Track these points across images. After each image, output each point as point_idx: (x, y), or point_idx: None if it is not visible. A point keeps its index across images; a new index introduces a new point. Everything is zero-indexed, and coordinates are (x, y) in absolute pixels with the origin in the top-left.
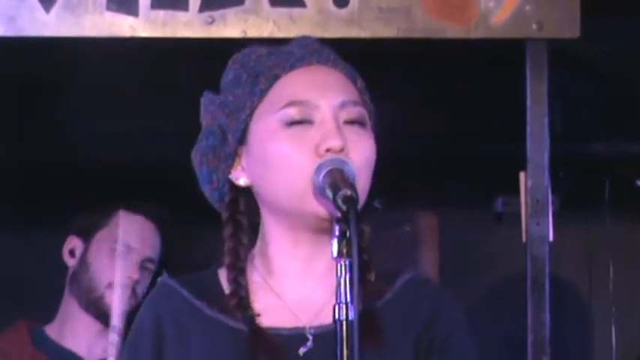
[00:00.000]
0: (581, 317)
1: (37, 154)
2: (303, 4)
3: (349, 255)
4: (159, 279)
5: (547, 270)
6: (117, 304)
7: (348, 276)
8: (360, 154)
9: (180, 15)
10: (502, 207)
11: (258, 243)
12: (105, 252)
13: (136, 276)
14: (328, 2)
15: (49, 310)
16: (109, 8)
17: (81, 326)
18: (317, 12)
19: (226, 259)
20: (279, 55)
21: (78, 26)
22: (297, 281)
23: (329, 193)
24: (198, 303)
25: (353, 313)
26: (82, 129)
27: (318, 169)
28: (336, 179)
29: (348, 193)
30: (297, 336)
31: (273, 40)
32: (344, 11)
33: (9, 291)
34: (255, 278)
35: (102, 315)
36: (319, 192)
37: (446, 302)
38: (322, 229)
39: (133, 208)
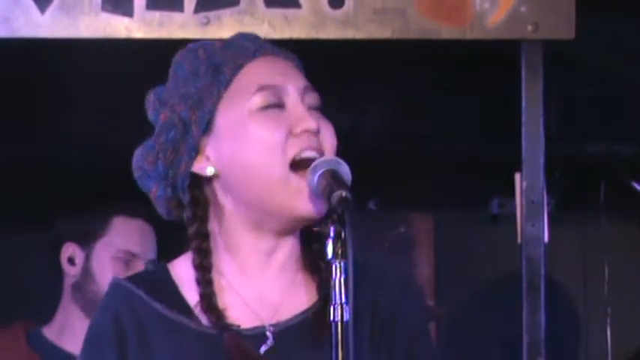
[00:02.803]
0: (577, 318)
1: (32, 155)
2: (298, 5)
3: (344, 256)
4: (111, 280)
5: (542, 271)
6: None
7: (343, 277)
8: (329, 141)
9: (176, 16)
10: (497, 208)
11: (215, 236)
12: (108, 262)
13: None
14: (323, 3)
15: (45, 311)
16: (104, 9)
17: (83, 329)
18: (312, 13)
19: (195, 259)
20: (235, 48)
21: (73, 27)
22: (256, 276)
23: (324, 193)
24: (157, 305)
25: (348, 315)
26: (77, 130)
27: (313, 169)
28: (330, 180)
29: (343, 194)
30: (257, 335)
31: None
32: (339, 12)
33: (5, 291)
34: (213, 275)
35: None
36: (314, 192)
37: (393, 275)
38: (290, 225)
39: (132, 212)
